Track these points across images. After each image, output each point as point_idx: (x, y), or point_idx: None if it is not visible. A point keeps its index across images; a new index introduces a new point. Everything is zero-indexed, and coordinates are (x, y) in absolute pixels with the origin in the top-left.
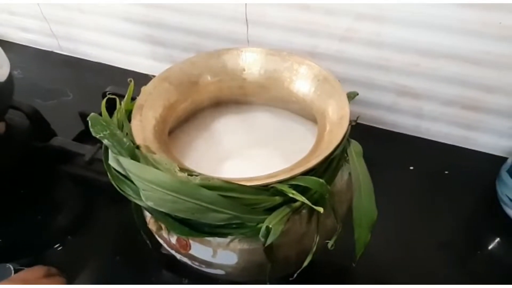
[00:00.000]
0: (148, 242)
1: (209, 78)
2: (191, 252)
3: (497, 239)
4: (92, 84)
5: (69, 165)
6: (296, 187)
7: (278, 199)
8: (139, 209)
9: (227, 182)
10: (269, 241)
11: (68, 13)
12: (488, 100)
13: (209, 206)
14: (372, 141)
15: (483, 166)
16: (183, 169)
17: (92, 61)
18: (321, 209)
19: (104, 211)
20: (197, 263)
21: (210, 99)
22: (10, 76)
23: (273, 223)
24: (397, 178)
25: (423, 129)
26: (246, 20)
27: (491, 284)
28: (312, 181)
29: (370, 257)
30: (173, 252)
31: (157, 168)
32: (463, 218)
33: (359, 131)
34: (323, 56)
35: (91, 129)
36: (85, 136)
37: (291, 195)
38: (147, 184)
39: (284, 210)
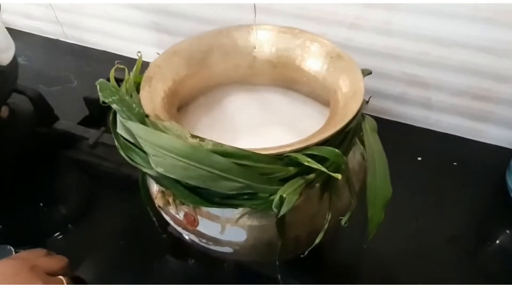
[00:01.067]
0: (154, 219)
1: (218, 55)
2: (199, 228)
3: (507, 231)
4: (97, 71)
5: (72, 150)
6: (311, 157)
7: (292, 169)
8: (145, 185)
9: (240, 149)
10: (282, 212)
11: (74, 0)
12: (499, 90)
13: (221, 173)
14: (380, 131)
15: (492, 158)
16: (194, 136)
17: (97, 49)
18: (339, 176)
19: (107, 196)
20: (204, 240)
21: (220, 77)
22: (15, 59)
23: (287, 192)
24: (404, 168)
25: (432, 120)
26: (254, 7)
27: (499, 280)
28: (328, 151)
29: (377, 249)
30: (180, 229)
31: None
32: (472, 210)
33: None
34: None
35: (99, 94)
36: (89, 122)
37: (306, 163)
38: (157, 150)
39: (299, 181)
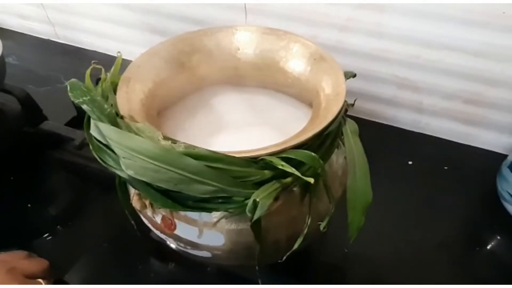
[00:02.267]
0: (132, 222)
1: (201, 56)
2: (177, 232)
3: (497, 236)
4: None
5: (59, 151)
6: (287, 161)
7: (267, 173)
8: (123, 187)
9: (213, 152)
10: (256, 216)
11: (66, 0)
12: (490, 94)
13: (194, 176)
14: (370, 134)
15: (483, 162)
16: (167, 138)
17: (88, 50)
18: (311, 180)
19: (94, 198)
20: (182, 245)
21: (203, 79)
22: (1, 59)
23: (261, 197)
24: (394, 172)
25: (423, 124)
26: (245, 8)
27: (490, 284)
28: (304, 155)
29: (366, 254)
30: (158, 233)
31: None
32: (462, 215)
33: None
34: (323, 46)
35: (69, 94)
36: (77, 123)
37: (280, 167)
38: (128, 152)
39: (274, 185)
